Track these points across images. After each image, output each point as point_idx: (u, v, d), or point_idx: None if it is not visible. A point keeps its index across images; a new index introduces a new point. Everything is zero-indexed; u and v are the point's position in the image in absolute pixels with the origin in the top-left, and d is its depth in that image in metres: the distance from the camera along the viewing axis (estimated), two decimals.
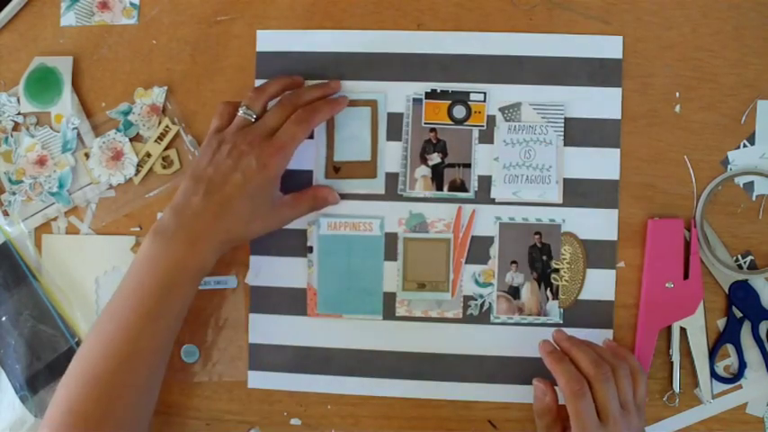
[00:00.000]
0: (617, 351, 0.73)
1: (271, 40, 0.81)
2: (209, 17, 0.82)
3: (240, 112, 0.75)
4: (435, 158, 0.79)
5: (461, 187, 0.79)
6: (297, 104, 0.75)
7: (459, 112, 0.79)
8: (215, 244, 0.71)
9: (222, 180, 0.71)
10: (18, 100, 0.82)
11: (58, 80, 0.81)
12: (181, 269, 0.70)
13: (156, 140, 0.80)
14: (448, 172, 0.79)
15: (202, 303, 0.80)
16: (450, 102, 0.79)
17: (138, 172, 0.80)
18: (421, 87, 0.79)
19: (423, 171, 0.79)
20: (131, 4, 0.82)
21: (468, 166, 0.79)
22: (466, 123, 0.79)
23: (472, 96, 0.79)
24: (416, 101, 0.79)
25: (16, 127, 0.82)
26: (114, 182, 0.80)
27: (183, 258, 0.70)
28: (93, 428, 0.66)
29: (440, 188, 0.79)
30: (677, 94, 0.78)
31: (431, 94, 0.79)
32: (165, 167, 0.80)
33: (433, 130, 0.79)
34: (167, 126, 0.80)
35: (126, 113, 0.81)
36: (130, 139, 0.80)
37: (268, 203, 0.74)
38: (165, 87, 0.81)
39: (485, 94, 0.78)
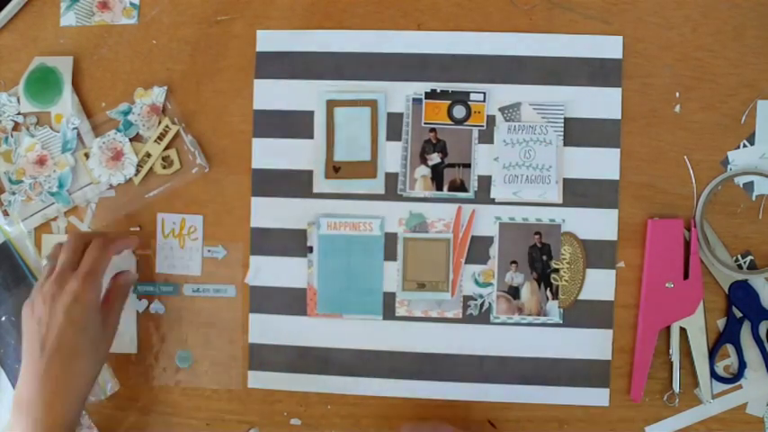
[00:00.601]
0: None
1: (271, 41, 0.81)
2: (210, 17, 0.82)
3: (42, 264, 0.77)
4: (435, 158, 0.79)
5: (461, 187, 0.79)
6: (85, 238, 0.75)
7: (459, 112, 0.79)
8: (73, 396, 0.71)
9: (49, 330, 0.70)
10: (18, 100, 0.82)
11: (58, 80, 0.81)
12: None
13: (155, 140, 0.80)
14: (448, 172, 0.79)
15: (198, 308, 0.81)
16: (450, 102, 0.79)
17: (137, 172, 0.80)
18: (421, 87, 0.79)
19: (422, 171, 0.79)
20: (131, 4, 0.82)
21: (468, 166, 0.79)
22: (466, 123, 0.79)
23: (472, 96, 0.79)
24: (416, 101, 0.79)
25: (16, 127, 0.82)
26: (114, 182, 0.80)
27: (44, 424, 0.69)
28: None
29: (440, 188, 0.79)
30: (677, 94, 0.78)
31: (431, 94, 0.79)
32: (164, 167, 0.80)
33: (432, 130, 0.79)
34: (167, 126, 0.80)
35: (126, 113, 0.81)
36: (130, 139, 0.80)
37: (100, 326, 0.73)
38: (165, 87, 0.81)
39: (484, 94, 0.78)
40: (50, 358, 0.69)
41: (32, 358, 0.70)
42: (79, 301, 0.70)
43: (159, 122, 0.80)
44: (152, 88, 0.81)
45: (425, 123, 0.79)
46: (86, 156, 0.80)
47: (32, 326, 0.71)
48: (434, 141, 0.79)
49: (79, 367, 0.71)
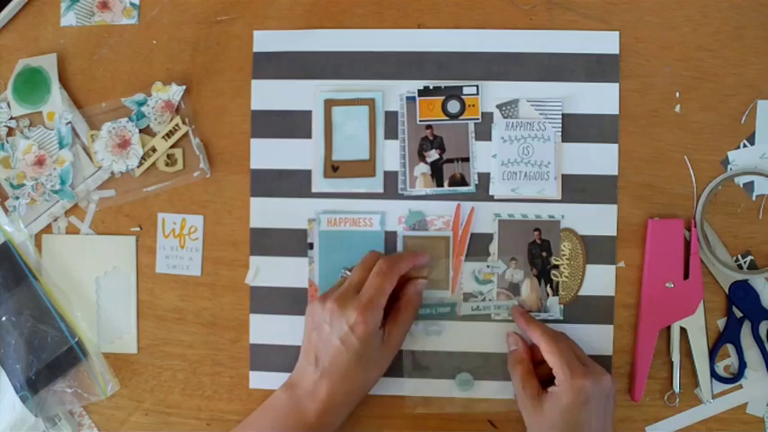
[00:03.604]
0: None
1: (268, 41, 0.81)
2: (209, 17, 0.82)
3: (340, 274, 0.77)
4: (433, 155, 0.79)
5: (462, 181, 0.79)
6: (377, 258, 0.75)
7: (454, 106, 0.79)
8: (340, 409, 0.72)
9: (323, 347, 0.72)
10: (8, 105, 0.82)
11: (45, 79, 0.81)
12: None
13: (164, 137, 0.80)
14: (447, 167, 0.79)
15: (198, 308, 0.81)
16: (443, 97, 0.79)
17: (140, 164, 0.80)
18: (414, 85, 0.79)
19: (422, 168, 0.79)
20: (131, 4, 0.82)
21: (467, 160, 0.79)
22: (461, 118, 0.79)
23: (465, 90, 0.79)
24: (410, 99, 0.79)
25: (10, 132, 0.82)
26: (116, 169, 0.80)
27: (307, 413, 0.72)
28: None
29: (440, 184, 0.79)
30: (677, 94, 0.78)
31: (424, 92, 0.79)
32: (168, 165, 0.80)
33: (429, 127, 0.79)
34: (177, 125, 0.80)
35: (141, 104, 0.80)
36: (140, 131, 0.80)
37: (375, 351, 0.72)
38: (184, 87, 0.80)
39: (477, 87, 0.78)
40: (321, 376, 0.71)
41: (306, 362, 0.73)
42: (355, 332, 0.70)
43: (171, 120, 0.80)
44: (171, 84, 0.80)
45: (421, 121, 0.79)
46: (92, 138, 0.80)
47: (310, 330, 0.73)
48: (431, 138, 0.79)
49: (349, 387, 0.72)
